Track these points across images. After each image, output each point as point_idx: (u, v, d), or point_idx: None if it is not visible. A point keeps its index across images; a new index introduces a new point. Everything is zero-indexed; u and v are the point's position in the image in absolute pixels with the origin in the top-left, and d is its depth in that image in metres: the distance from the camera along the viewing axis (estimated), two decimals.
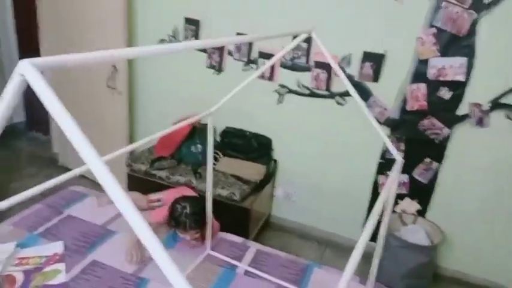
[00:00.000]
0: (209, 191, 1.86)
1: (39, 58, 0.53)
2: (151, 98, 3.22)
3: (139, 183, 2.81)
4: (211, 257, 1.90)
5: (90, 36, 3.01)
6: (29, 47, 3.83)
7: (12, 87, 0.53)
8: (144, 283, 1.70)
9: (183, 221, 1.82)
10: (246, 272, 1.80)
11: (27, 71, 0.50)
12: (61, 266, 1.72)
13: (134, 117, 3.33)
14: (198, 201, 1.95)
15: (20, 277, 1.66)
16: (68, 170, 3.98)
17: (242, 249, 1.96)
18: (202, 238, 1.95)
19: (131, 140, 3.29)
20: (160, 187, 2.71)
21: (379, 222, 1.06)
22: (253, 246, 1.99)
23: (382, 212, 1.08)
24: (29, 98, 3.70)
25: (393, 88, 2.42)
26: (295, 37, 1.49)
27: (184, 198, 1.93)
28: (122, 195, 0.48)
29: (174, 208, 1.87)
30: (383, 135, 1.37)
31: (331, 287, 1.71)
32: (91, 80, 3.13)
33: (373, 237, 2.72)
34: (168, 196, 2.17)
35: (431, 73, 2.29)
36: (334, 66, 1.43)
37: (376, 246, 1.60)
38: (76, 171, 1.24)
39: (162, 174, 2.73)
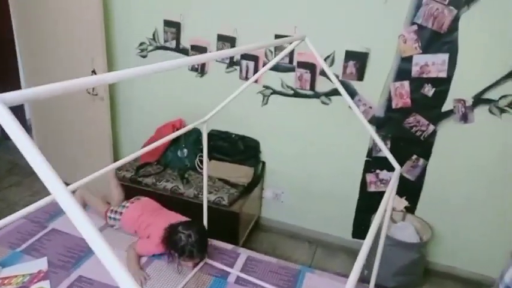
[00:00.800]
0: (205, 196, 1.81)
1: (7, 94, 0.50)
2: (134, 103, 3.15)
3: (126, 190, 2.74)
4: (208, 265, 1.86)
5: (67, 42, 2.93)
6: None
7: None
8: None
9: (190, 250, 1.73)
10: (237, 280, 1.78)
11: None
12: (46, 284, 1.66)
13: (117, 123, 3.26)
14: (199, 225, 1.87)
15: None
16: None
17: (232, 257, 1.93)
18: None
19: (115, 146, 3.23)
20: (147, 195, 2.67)
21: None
22: (244, 253, 1.97)
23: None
24: None
25: (378, 86, 2.41)
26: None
27: (184, 224, 1.82)
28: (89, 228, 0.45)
29: (176, 238, 1.76)
30: (376, 138, 1.35)
31: None
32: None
33: (360, 234, 2.74)
34: (130, 211, 2.06)
35: (414, 70, 2.29)
36: (327, 69, 1.40)
37: (363, 245, 1.59)
38: (74, 186, 1.19)
39: (148, 180, 2.69)
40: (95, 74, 2.87)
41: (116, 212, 2.08)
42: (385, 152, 1.32)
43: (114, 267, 0.45)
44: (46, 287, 1.65)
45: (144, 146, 2.90)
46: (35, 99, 0.54)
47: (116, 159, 3.19)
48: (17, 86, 3.36)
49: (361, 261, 0.85)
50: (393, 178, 1.26)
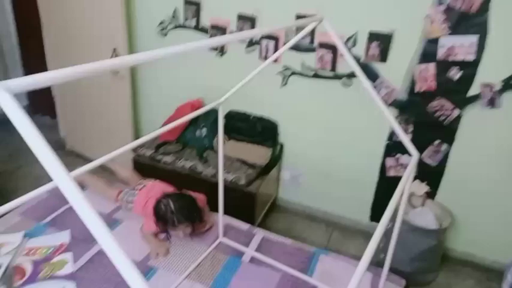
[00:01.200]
0: (220, 177, 1.82)
1: (12, 81, 0.50)
2: (154, 82, 3.18)
3: (145, 169, 2.80)
4: (223, 244, 1.90)
5: (88, 20, 2.96)
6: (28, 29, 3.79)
7: None
8: (153, 271, 1.71)
9: (170, 218, 1.78)
10: (252, 260, 1.80)
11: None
12: (68, 256, 1.73)
13: (138, 101, 3.30)
14: (181, 195, 1.90)
15: (28, 268, 1.68)
16: (76, 154, 3.99)
17: (248, 236, 1.96)
18: (199, 228, 1.94)
19: (135, 124, 3.28)
20: (165, 173, 2.71)
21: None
22: (259, 233, 1.99)
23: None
24: None
25: (401, 69, 2.34)
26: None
27: (166, 195, 1.88)
28: (91, 215, 0.46)
29: (157, 208, 1.82)
30: (393, 122, 1.32)
31: (338, 274, 1.72)
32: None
33: (378, 218, 2.72)
34: (139, 199, 2.07)
35: (440, 53, 2.20)
36: (344, 51, 1.36)
37: (378, 227, 1.58)
38: (93, 164, 1.20)
39: (168, 159, 2.73)
40: (116, 52, 2.89)
41: (127, 201, 2.11)
42: (402, 137, 1.29)
43: (115, 253, 0.46)
44: (68, 259, 1.72)
45: (164, 125, 2.94)
46: (37, 86, 0.54)
47: (136, 137, 3.25)
48: (43, 65, 3.43)
49: (375, 243, 0.85)
50: (410, 165, 1.23)
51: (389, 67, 2.37)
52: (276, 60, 2.63)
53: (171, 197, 1.83)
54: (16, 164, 3.46)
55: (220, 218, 1.90)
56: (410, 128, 2.45)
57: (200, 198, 2.04)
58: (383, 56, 2.36)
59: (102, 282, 1.63)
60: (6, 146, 3.74)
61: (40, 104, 4.17)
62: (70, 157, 3.66)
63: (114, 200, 2.14)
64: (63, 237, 1.84)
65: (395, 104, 2.44)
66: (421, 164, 2.51)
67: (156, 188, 2.10)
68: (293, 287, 1.67)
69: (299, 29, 2.49)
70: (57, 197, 2.13)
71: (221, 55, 2.82)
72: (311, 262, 1.81)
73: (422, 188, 2.57)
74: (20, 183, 3.20)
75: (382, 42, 2.32)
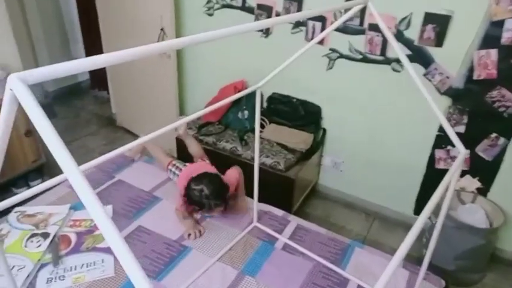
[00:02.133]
0: (256, 162, 1.80)
1: (29, 72, 0.50)
2: (200, 62, 3.19)
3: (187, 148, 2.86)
4: (257, 229, 1.90)
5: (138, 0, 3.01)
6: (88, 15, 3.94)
7: (6, 102, 0.51)
8: (187, 251, 1.75)
9: (207, 203, 1.77)
10: (285, 247, 1.79)
11: (15, 86, 0.48)
12: None
13: (183, 81, 3.34)
14: (211, 177, 1.87)
15: (73, 238, 1.79)
16: (125, 130, 4.14)
17: (282, 223, 1.94)
18: (230, 208, 1.95)
19: (181, 104, 3.33)
20: (207, 153, 2.75)
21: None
22: (294, 221, 1.96)
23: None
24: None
25: (459, 54, 2.16)
26: None
27: (196, 179, 1.84)
28: (98, 208, 0.46)
29: (191, 194, 1.80)
30: (440, 116, 1.21)
31: (373, 269, 1.67)
32: (140, 44, 3.14)
33: (421, 211, 2.59)
34: (182, 174, 2.06)
35: (505, 37, 1.99)
36: (389, 36, 1.26)
37: (417, 221, 1.50)
38: (137, 141, 1.24)
39: (209, 139, 2.76)
40: (164, 31, 2.93)
41: (176, 167, 2.17)
42: (448, 131, 1.18)
43: (122, 253, 0.45)
44: None
45: (207, 105, 2.96)
46: (52, 77, 0.53)
47: (181, 114, 3.32)
48: (99, 45, 3.58)
49: (411, 238, 0.81)
50: (456, 162, 1.13)
51: (446, 52, 2.19)
52: (322, 43, 2.54)
53: (203, 181, 1.81)
54: (71, 137, 3.67)
55: (255, 203, 1.90)
56: (465, 119, 2.27)
57: (232, 175, 2.04)
58: (439, 40, 2.18)
59: (140, 257, 1.69)
60: (62, 120, 3.98)
61: (98, 80, 4.36)
62: (119, 132, 3.82)
63: (165, 169, 2.21)
64: (106, 211, 1.92)
65: (450, 92, 2.26)
66: (474, 158, 2.34)
67: (201, 168, 2.10)
68: (324, 278, 1.64)
69: (347, 10, 2.37)
70: (103, 172, 2.24)
71: (266, 36, 2.76)
72: (345, 254, 1.77)
73: (474, 183, 2.40)
74: (73, 155, 3.36)
75: (439, 24, 2.14)
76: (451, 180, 1.23)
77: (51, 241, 1.73)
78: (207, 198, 1.76)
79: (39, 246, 1.70)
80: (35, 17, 3.95)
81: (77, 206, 1.97)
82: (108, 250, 1.72)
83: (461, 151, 1.18)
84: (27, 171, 2.78)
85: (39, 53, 4.09)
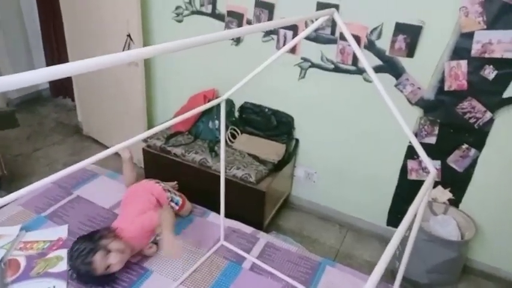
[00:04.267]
0: (222, 177, 1.69)
1: None
2: (168, 70, 3.08)
3: (155, 159, 2.74)
4: (224, 248, 1.80)
5: (103, 4, 2.88)
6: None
7: None
8: (147, 274, 1.64)
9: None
10: (252, 267, 1.70)
11: None
12: (63, 253, 1.68)
13: (152, 90, 3.22)
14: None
15: (23, 262, 1.65)
16: (92, 139, 3.98)
17: (251, 241, 1.85)
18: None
19: (149, 112, 3.21)
20: (175, 165, 2.64)
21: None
22: (263, 238, 1.88)
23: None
24: (53, 64, 3.65)
25: (430, 65, 2.13)
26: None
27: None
28: None
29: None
30: (412, 137, 1.16)
31: None
32: (106, 50, 3.01)
33: (395, 223, 2.56)
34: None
35: (475, 49, 1.98)
36: (355, 47, 1.20)
37: (393, 237, 1.43)
38: (104, 153, 1.12)
39: (178, 151, 2.64)
40: (130, 37, 2.80)
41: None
42: (418, 149, 1.12)
43: None
44: (63, 256, 1.67)
45: (176, 114, 2.85)
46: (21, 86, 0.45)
47: (150, 125, 3.19)
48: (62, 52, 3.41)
49: (388, 256, 0.74)
50: (426, 182, 1.07)
51: (417, 63, 2.17)
52: (293, 52, 2.48)
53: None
54: (33, 146, 3.48)
55: (222, 220, 1.80)
56: (436, 130, 2.25)
57: (145, 222, 1.73)
58: (410, 50, 2.15)
59: (96, 284, 1.57)
60: (25, 128, 3.77)
61: (61, 87, 4.17)
62: (87, 142, 3.65)
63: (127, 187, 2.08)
64: (61, 232, 1.79)
65: (421, 103, 2.24)
66: (446, 169, 2.32)
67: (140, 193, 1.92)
68: None
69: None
70: (60, 188, 2.09)
71: (237, 44, 2.68)
72: (316, 273, 1.69)
73: (445, 194, 2.39)
74: (35, 166, 3.21)
75: (410, 35, 2.11)
76: (422, 200, 1.17)
77: None
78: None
79: None
80: None
81: (29, 226, 1.83)
82: (60, 275, 1.58)
83: (431, 170, 1.13)
84: None
85: (0, 61, 3.88)
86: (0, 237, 1.72)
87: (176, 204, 1.97)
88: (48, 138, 3.67)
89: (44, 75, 0.52)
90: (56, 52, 3.98)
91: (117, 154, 2.12)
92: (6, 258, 1.64)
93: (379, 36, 2.20)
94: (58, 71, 0.54)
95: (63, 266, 1.63)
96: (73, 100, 3.96)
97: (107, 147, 1.15)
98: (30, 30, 4.09)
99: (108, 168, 2.47)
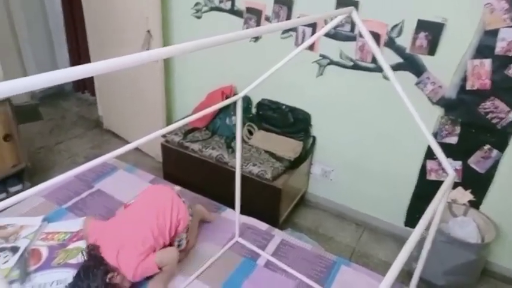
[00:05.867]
0: (238, 173, 1.68)
1: None
2: (187, 67, 3.11)
3: (173, 154, 2.78)
4: (239, 245, 1.81)
5: (124, 1, 2.92)
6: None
7: None
8: None
9: None
10: (267, 264, 1.71)
11: None
12: (83, 244, 1.72)
13: (171, 85, 3.25)
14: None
15: (44, 252, 1.70)
16: (112, 133, 4.06)
17: (266, 238, 1.86)
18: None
19: (168, 107, 3.25)
20: (192, 161, 2.67)
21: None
22: (278, 236, 1.88)
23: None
24: (75, 60, 3.72)
25: (451, 63, 2.09)
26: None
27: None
28: None
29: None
30: (430, 139, 1.14)
31: None
32: (126, 46, 3.06)
33: (413, 223, 2.52)
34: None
35: (499, 47, 1.93)
36: (373, 46, 1.19)
37: (410, 238, 1.42)
38: (128, 147, 1.15)
39: (195, 146, 2.67)
40: (150, 34, 2.84)
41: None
42: (436, 151, 1.11)
43: None
44: (83, 247, 1.71)
45: (194, 111, 2.88)
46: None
47: (169, 121, 3.23)
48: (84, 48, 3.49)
49: (403, 258, 0.74)
50: (444, 185, 1.06)
51: (438, 61, 2.12)
52: (312, 49, 2.46)
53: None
54: (55, 139, 3.57)
55: (237, 217, 1.81)
56: (457, 130, 2.20)
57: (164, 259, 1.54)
58: (431, 48, 2.11)
59: None
60: (48, 122, 3.87)
61: (83, 82, 4.27)
62: (106, 136, 3.73)
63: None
64: (81, 223, 1.83)
65: (442, 102, 2.20)
66: (467, 170, 2.27)
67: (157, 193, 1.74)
68: None
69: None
70: (81, 182, 2.14)
71: (255, 41, 2.68)
72: (330, 272, 1.68)
73: (466, 196, 2.34)
74: (57, 158, 3.30)
75: (432, 32, 2.07)
76: (440, 202, 1.16)
77: (20, 256, 1.63)
78: None
79: (7, 262, 1.60)
80: (20, 20, 3.85)
81: (51, 217, 1.88)
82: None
83: (449, 173, 1.11)
84: (6, 177, 2.67)
85: (25, 57, 3.99)
86: (24, 228, 1.78)
87: (179, 246, 1.66)
88: (70, 131, 3.76)
89: (67, 75, 0.54)
90: (79, 49, 4.06)
91: (136, 149, 2.12)
92: (29, 247, 1.69)
93: (399, 34, 2.16)
94: (81, 71, 0.56)
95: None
96: (94, 95, 4.04)
97: (126, 141, 1.18)
98: (53, 28, 4.19)
99: (127, 162, 2.51)
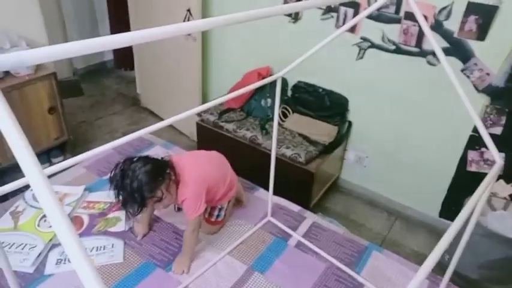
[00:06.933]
0: (273, 154, 1.70)
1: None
2: (225, 46, 3.11)
3: (208, 133, 2.82)
4: (271, 224, 1.83)
5: None
6: None
7: None
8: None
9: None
10: (298, 245, 1.72)
11: None
12: (122, 214, 1.80)
13: (208, 65, 3.27)
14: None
15: (86, 220, 1.78)
16: (149, 111, 4.14)
17: (298, 220, 1.86)
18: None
19: (204, 87, 3.28)
20: (226, 141, 2.69)
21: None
22: (310, 218, 1.88)
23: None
24: None
25: (502, 49, 1.98)
26: None
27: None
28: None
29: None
30: (480, 125, 1.09)
31: (390, 276, 1.58)
32: (166, 24, 3.08)
33: (448, 215, 2.45)
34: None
35: None
36: (425, 27, 1.14)
37: (449, 230, 1.39)
38: (164, 123, 1.19)
39: (230, 126, 2.69)
40: (190, 13, 2.85)
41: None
42: (484, 136, 1.06)
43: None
44: (122, 217, 1.79)
45: (230, 91, 2.89)
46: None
47: (204, 100, 3.26)
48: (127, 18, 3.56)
49: (440, 250, 0.72)
50: (490, 174, 1.02)
51: (488, 46, 2.02)
52: (353, 31, 2.40)
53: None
54: (95, 115, 3.70)
55: (270, 196, 1.83)
56: (503, 120, 2.10)
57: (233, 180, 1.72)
58: (481, 33, 2.00)
59: (149, 245, 1.67)
60: (89, 97, 4.01)
61: (124, 59, 4.36)
62: (144, 113, 3.82)
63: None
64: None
65: (488, 90, 2.09)
66: (510, 163, 2.16)
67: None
68: (337, 281, 1.56)
69: None
70: (120, 155, 2.22)
71: (295, 21, 2.63)
72: (361, 257, 1.68)
73: (507, 189, 2.24)
74: (97, 133, 3.42)
75: (483, 15, 1.96)
76: (484, 192, 1.12)
77: None
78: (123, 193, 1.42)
79: (51, 226, 1.70)
80: None
81: (92, 187, 1.97)
82: (119, 235, 1.70)
83: (497, 161, 1.06)
84: (49, 148, 2.81)
85: (69, 30, 4.12)
86: (67, 196, 1.88)
87: (218, 217, 1.74)
88: (109, 107, 3.88)
89: (106, 42, 0.55)
90: (120, 26, 4.15)
91: (171, 126, 2.17)
92: (72, 214, 1.78)
93: (447, 17, 2.06)
94: (120, 40, 0.57)
95: (121, 226, 1.75)
96: (133, 72, 4.13)
97: (162, 119, 1.20)
98: (97, 6, 4.30)
99: (163, 138, 2.57)
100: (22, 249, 1.59)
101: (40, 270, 1.52)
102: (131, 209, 1.46)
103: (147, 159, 1.48)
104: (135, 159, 1.48)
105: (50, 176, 1.87)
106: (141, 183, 1.39)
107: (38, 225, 1.70)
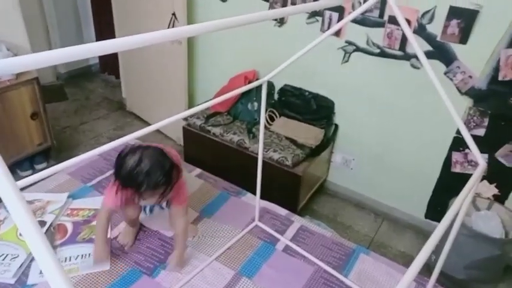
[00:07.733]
0: (260, 157, 1.70)
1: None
2: (211, 50, 3.10)
3: (194, 137, 2.80)
4: (258, 228, 1.82)
5: None
6: None
7: None
8: None
9: (145, 180, 1.31)
10: (286, 249, 1.71)
11: None
12: None
13: (194, 69, 3.26)
14: (153, 149, 1.43)
15: (70, 228, 1.75)
16: (135, 115, 4.10)
17: (285, 224, 1.86)
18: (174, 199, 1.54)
19: (191, 91, 3.26)
20: (213, 145, 2.68)
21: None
22: (298, 222, 1.88)
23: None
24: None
25: (484, 52, 2.01)
26: None
27: (133, 149, 1.41)
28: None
29: (122, 163, 1.36)
30: (462, 127, 1.11)
31: (377, 278, 1.58)
32: (152, 29, 3.06)
33: (434, 216, 2.48)
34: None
35: None
36: (407, 31, 1.15)
37: (435, 231, 1.40)
38: (150, 128, 1.18)
39: (216, 130, 2.68)
40: (175, 16, 2.84)
41: None
42: (467, 139, 1.08)
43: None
44: None
45: (216, 95, 2.88)
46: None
47: (191, 104, 3.24)
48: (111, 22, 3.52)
49: (427, 253, 0.72)
50: (474, 176, 1.03)
51: (470, 49, 2.05)
52: (338, 34, 2.41)
53: (142, 151, 1.40)
54: (80, 119, 3.65)
55: (258, 200, 1.82)
56: (486, 122, 2.14)
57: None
58: (463, 36, 2.04)
59: (135, 253, 1.64)
60: (73, 102, 3.95)
61: (109, 63, 4.31)
62: (129, 118, 3.78)
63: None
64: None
65: (471, 92, 2.13)
66: (494, 163, 2.21)
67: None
68: (325, 284, 1.56)
69: (366, 1, 2.24)
70: (105, 161, 2.19)
71: (280, 25, 2.64)
72: (349, 260, 1.68)
73: (491, 189, 2.28)
74: (82, 138, 3.37)
75: (465, 19, 2.00)
76: (469, 194, 1.13)
77: (47, 230, 1.69)
78: (147, 174, 1.32)
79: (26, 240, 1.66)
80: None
81: (75, 194, 1.93)
82: None
83: (480, 163, 1.08)
84: (32, 154, 2.75)
85: (52, 35, 4.06)
86: (50, 203, 1.84)
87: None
88: (94, 112, 3.83)
89: (91, 49, 0.55)
90: (105, 30, 4.10)
91: (157, 130, 2.12)
92: (55, 222, 1.75)
93: (430, 20, 2.09)
94: (105, 47, 0.56)
95: None
96: (118, 77, 4.08)
97: (149, 124, 1.18)
98: (81, 8, 4.24)
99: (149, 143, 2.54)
100: (3, 260, 1.55)
101: (22, 281, 1.48)
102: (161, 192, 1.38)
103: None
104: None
105: (32, 184, 1.84)
106: (172, 164, 1.41)
107: (20, 235, 1.66)
